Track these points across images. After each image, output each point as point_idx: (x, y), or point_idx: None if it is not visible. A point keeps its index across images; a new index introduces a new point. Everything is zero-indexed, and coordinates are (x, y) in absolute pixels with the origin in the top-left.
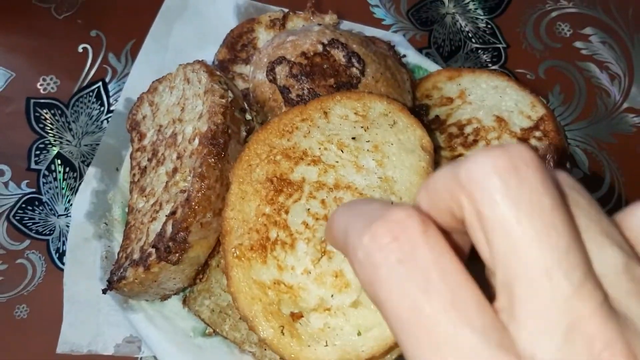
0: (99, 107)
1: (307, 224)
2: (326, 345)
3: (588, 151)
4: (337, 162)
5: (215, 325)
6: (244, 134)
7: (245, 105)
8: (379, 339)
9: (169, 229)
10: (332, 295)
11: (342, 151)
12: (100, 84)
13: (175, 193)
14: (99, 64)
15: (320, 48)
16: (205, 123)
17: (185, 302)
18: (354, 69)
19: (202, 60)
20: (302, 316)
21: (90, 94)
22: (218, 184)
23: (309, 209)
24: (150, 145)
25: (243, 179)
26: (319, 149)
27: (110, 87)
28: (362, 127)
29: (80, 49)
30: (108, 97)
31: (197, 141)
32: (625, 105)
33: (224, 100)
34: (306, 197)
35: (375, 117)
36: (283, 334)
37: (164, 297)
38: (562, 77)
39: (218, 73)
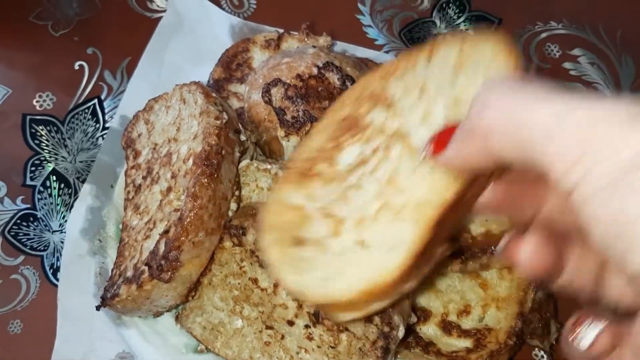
0: (94, 124)
1: (349, 166)
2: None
3: None
4: (409, 108)
5: (207, 342)
6: (237, 154)
7: (240, 126)
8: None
9: (162, 247)
10: (335, 234)
11: (419, 98)
12: (95, 100)
13: (169, 212)
14: (95, 81)
15: (315, 71)
16: (199, 144)
17: (177, 319)
18: None
19: (199, 81)
20: (303, 244)
21: (86, 110)
22: (211, 204)
23: (358, 153)
24: (145, 163)
25: (331, 115)
26: (401, 93)
27: (105, 104)
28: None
29: (76, 66)
30: (104, 114)
31: (191, 161)
32: None
33: (218, 122)
34: (363, 141)
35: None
36: (282, 253)
37: (157, 314)
38: None
39: (214, 95)
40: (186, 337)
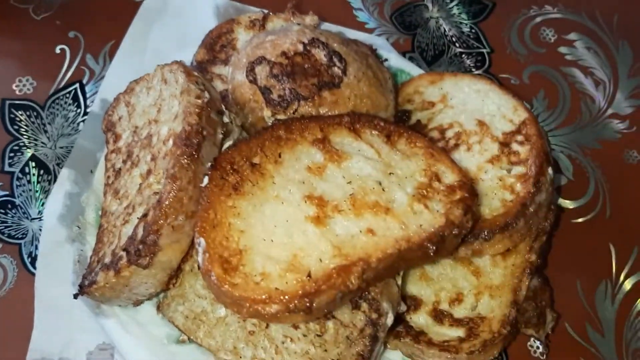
0: (75, 109)
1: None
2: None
3: (572, 157)
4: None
5: (190, 332)
6: (220, 136)
7: (223, 107)
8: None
9: (140, 231)
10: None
11: None
12: (77, 85)
13: (148, 195)
14: (77, 66)
15: (300, 47)
16: (180, 123)
17: (159, 308)
18: (336, 68)
19: (181, 61)
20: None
21: (67, 95)
22: (191, 186)
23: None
24: (125, 146)
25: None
26: None
27: (87, 88)
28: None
29: (57, 50)
30: (85, 99)
31: (171, 142)
32: (610, 111)
33: (199, 101)
34: None
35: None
36: None
37: (137, 303)
38: (546, 82)
39: (196, 74)
40: (168, 327)
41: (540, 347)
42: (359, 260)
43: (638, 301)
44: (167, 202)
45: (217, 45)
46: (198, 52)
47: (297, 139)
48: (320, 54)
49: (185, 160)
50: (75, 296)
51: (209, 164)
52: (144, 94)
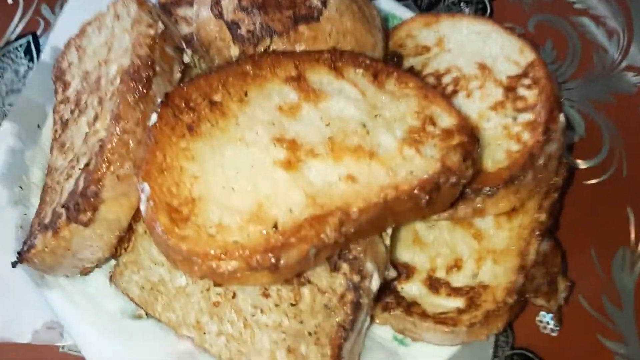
0: (27, 62)
1: None
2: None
3: (584, 112)
4: None
5: (146, 305)
6: (177, 75)
7: (184, 45)
8: None
9: (82, 184)
10: None
11: None
12: (30, 37)
13: (94, 143)
14: (31, 16)
15: None
16: (128, 57)
17: (112, 278)
18: (315, 0)
19: None
20: None
21: (19, 48)
22: (140, 129)
23: None
24: (74, 95)
25: None
26: None
27: (41, 41)
28: None
29: (10, 0)
30: (38, 51)
31: (118, 80)
32: (624, 63)
33: (152, 31)
34: None
35: None
36: None
37: (84, 271)
38: (554, 32)
39: (150, 4)
40: (123, 300)
41: (551, 321)
42: (337, 210)
43: None
44: (110, 146)
45: None
46: None
47: (267, 76)
48: None
49: (132, 97)
50: (14, 264)
51: (160, 100)
52: (95, 35)
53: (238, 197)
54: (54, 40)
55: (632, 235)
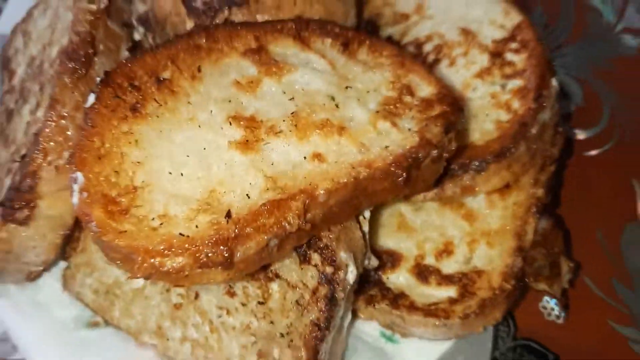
0: None
1: None
2: None
3: (581, 79)
4: None
5: (103, 311)
6: (124, 53)
7: (134, 21)
8: None
9: (17, 178)
10: None
11: None
12: None
13: (32, 133)
14: None
15: None
16: (67, 35)
17: (64, 283)
18: None
19: None
20: None
21: None
22: (79, 113)
23: None
24: (19, 83)
25: None
26: None
27: None
28: None
29: None
30: None
31: (58, 62)
32: (620, 26)
33: (93, 6)
34: None
35: None
36: None
37: (31, 276)
38: None
39: None
40: (77, 308)
41: (556, 307)
42: (300, 192)
43: None
44: (45, 134)
45: None
46: None
47: (223, 49)
48: None
49: (70, 79)
50: None
51: (99, 79)
52: (41, 17)
53: (187, 183)
54: (2, 27)
55: None
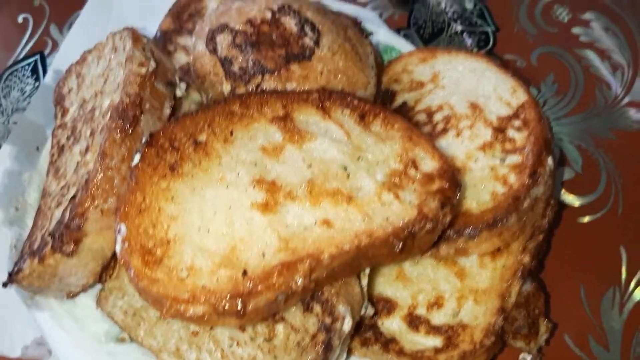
0: (33, 82)
1: None
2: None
3: (582, 148)
4: None
5: (130, 330)
6: (167, 111)
7: (177, 79)
8: None
9: (67, 215)
10: None
11: None
12: (37, 57)
13: (82, 175)
14: (39, 36)
15: (269, 15)
16: (119, 94)
17: (98, 302)
18: (307, 39)
19: (132, 27)
20: None
21: (26, 67)
22: (125, 166)
23: None
24: (71, 121)
25: None
26: None
27: (48, 61)
28: None
29: (20, 19)
30: (45, 71)
31: (109, 115)
32: (627, 99)
33: (143, 69)
34: None
35: None
36: None
37: (70, 295)
38: (557, 65)
39: (145, 40)
40: (108, 323)
41: None
42: (307, 256)
43: None
44: (94, 182)
45: (184, 14)
46: (164, 20)
47: (253, 115)
48: (290, 23)
49: (118, 135)
50: (5, 285)
51: (144, 139)
52: (94, 64)
53: (213, 239)
54: (58, 63)
55: (624, 275)
